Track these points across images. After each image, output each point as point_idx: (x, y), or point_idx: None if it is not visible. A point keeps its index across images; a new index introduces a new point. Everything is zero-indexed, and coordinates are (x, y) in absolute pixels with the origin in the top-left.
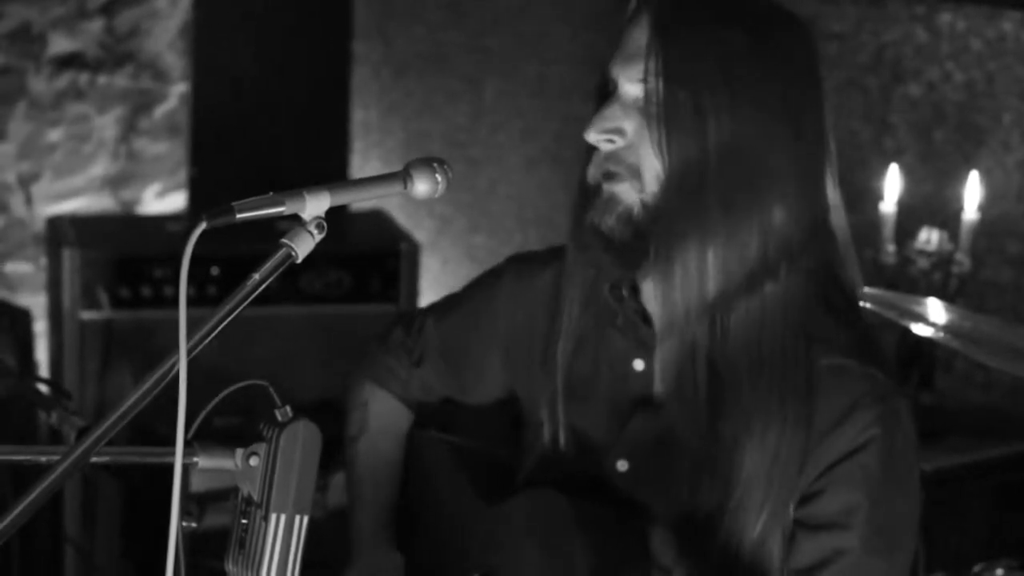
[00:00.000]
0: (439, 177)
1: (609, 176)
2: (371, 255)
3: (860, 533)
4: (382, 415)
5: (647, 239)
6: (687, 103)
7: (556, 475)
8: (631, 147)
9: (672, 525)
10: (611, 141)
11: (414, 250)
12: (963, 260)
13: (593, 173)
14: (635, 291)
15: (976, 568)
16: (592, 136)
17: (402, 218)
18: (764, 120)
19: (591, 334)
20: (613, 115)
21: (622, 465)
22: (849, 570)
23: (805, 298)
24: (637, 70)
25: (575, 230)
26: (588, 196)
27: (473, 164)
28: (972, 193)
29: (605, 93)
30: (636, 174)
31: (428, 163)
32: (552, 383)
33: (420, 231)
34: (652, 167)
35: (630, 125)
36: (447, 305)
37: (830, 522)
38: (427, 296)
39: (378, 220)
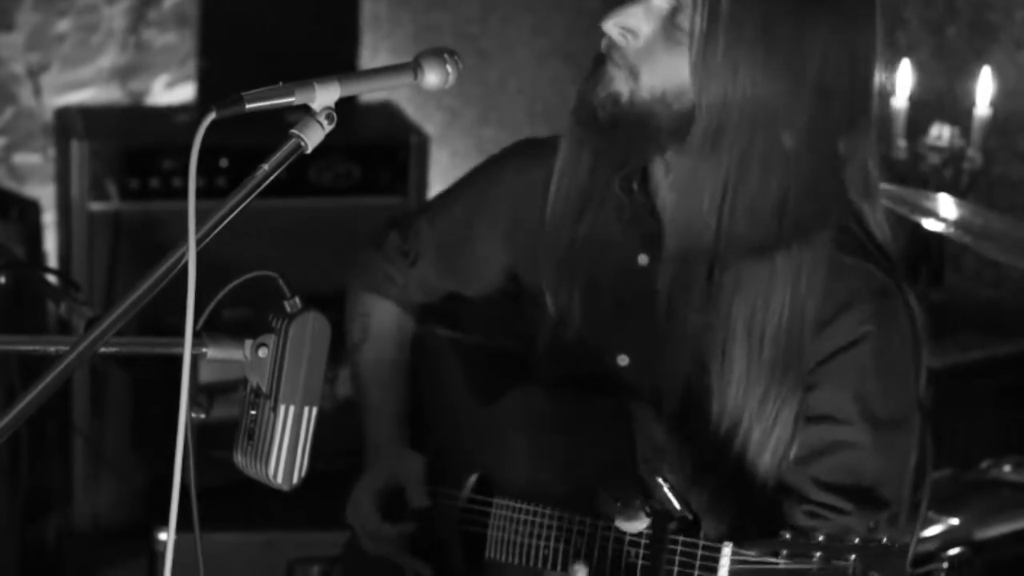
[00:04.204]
0: (449, 68)
1: (612, 59)
2: (381, 147)
3: (853, 428)
4: (384, 323)
5: (628, 134)
6: (723, 52)
7: (561, 369)
8: (639, 51)
9: (667, 423)
10: (623, 37)
11: (424, 142)
12: (974, 156)
13: (603, 46)
14: (644, 183)
15: (984, 464)
16: (608, 25)
17: (411, 110)
18: (792, 86)
19: (593, 226)
20: (634, 15)
21: (623, 360)
22: (844, 463)
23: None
24: None
25: (578, 106)
26: (594, 71)
27: (483, 57)
28: (984, 89)
29: None
30: (634, 75)
31: (439, 53)
32: (555, 270)
33: (429, 124)
34: (651, 78)
35: (646, 30)
36: (443, 199)
37: (824, 415)
38: (436, 189)
39: (387, 112)
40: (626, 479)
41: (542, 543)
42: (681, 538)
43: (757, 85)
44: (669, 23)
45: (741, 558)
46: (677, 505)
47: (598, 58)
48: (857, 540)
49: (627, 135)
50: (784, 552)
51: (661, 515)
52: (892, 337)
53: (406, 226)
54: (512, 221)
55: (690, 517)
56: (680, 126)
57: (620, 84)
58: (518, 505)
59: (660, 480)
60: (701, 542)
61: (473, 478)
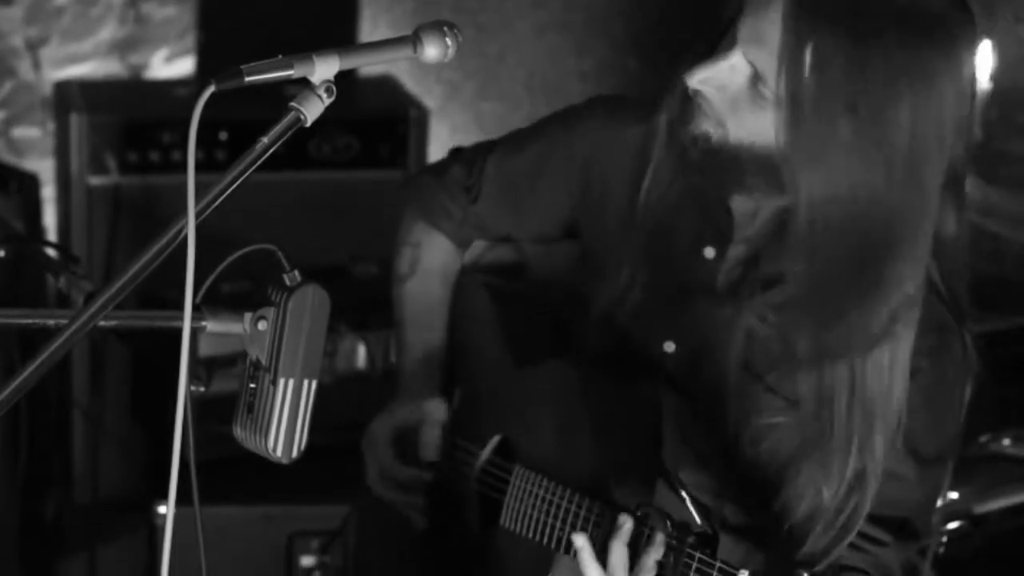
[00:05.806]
0: (449, 41)
1: (700, 107)
2: (380, 120)
3: (898, 461)
4: (434, 257)
5: (715, 170)
6: (812, 132)
7: (607, 342)
8: (725, 105)
9: (702, 420)
10: (710, 89)
11: (423, 116)
12: (974, 130)
13: (691, 92)
14: None
15: (983, 439)
16: (694, 81)
17: (410, 84)
18: (886, 170)
19: (669, 209)
20: (720, 70)
21: (669, 346)
22: (887, 494)
23: None
24: (759, 57)
25: (668, 134)
26: (684, 104)
27: (482, 30)
28: (984, 63)
29: (722, 33)
30: (721, 125)
31: (438, 27)
32: (632, 244)
33: (429, 97)
34: (739, 131)
35: (732, 86)
36: (516, 140)
37: None
38: None
39: (387, 85)
40: (647, 474)
41: (559, 524)
42: (698, 554)
43: (852, 170)
44: (752, 85)
45: None
46: (698, 519)
47: (690, 91)
48: None
49: (714, 170)
50: None
51: (681, 527)
52: (944, 375)
53: (471, 161)
54: (583, 177)
55: (710, 532)
56: (768, 175)
57: (710, 126)
58: (539, 480)
59: (684, 493)
60: (718, 564)
61: (496, 439)
